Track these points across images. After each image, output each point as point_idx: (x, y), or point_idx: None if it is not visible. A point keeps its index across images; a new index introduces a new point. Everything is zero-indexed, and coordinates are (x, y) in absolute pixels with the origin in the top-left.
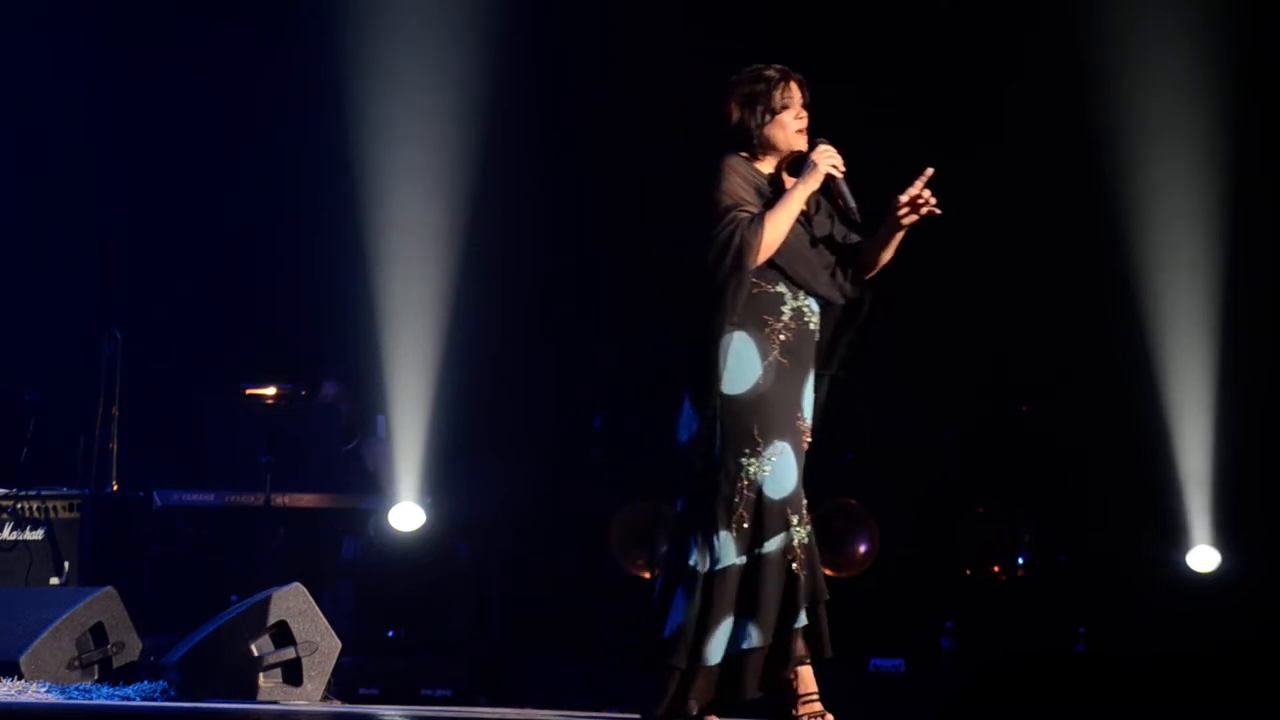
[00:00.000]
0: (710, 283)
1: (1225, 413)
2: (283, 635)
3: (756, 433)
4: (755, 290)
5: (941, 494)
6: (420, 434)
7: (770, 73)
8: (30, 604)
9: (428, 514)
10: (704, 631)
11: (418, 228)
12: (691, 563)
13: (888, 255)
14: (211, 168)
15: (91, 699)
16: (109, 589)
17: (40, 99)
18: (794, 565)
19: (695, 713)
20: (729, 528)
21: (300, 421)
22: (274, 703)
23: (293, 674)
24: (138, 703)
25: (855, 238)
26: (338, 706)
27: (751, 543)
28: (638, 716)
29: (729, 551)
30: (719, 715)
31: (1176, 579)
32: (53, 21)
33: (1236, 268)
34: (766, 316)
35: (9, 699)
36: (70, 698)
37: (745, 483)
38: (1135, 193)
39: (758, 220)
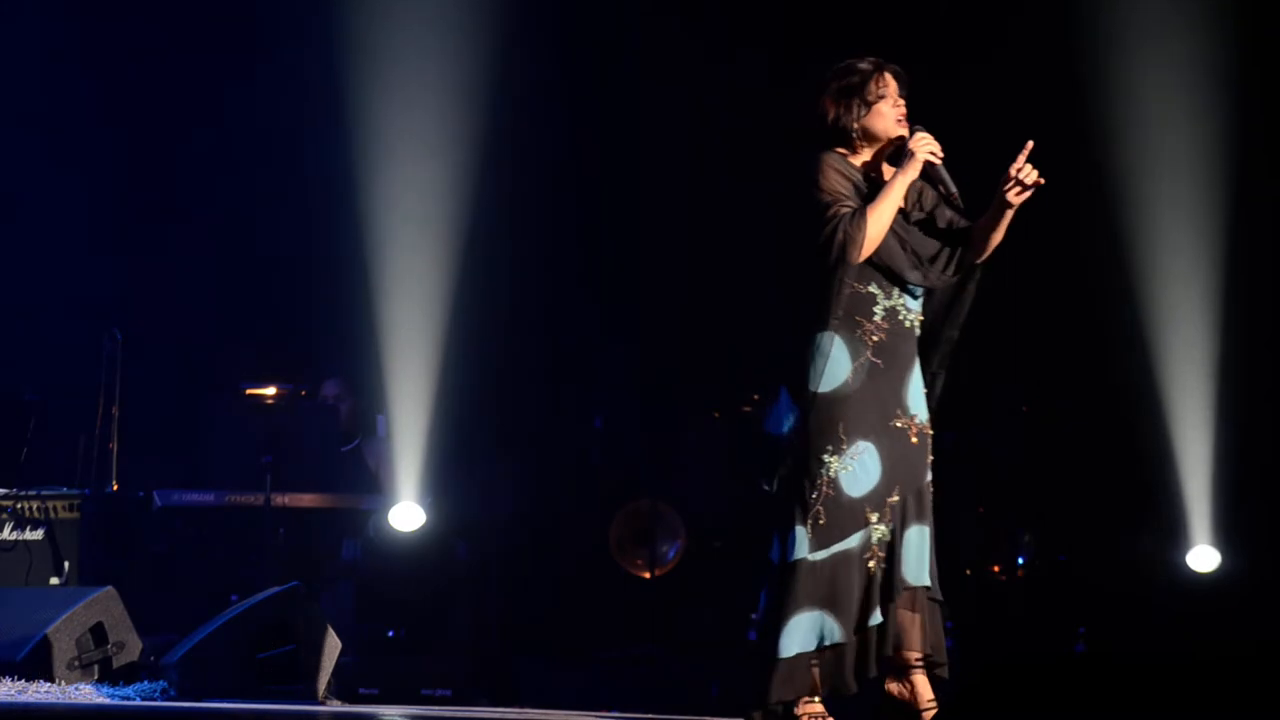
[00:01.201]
0: (814, 279)
1: (1225, 413)
2: (282, 635)
3: (842, 431)
4: (848, 291)
5: (940, 494)
6: (420, 434)
7: (864, 65)
8: (30, 604)
9: (428, 514)
10: (777, 624)
11: (418, 228)
12: (771, 556)
13: (999, 236)
14: (212, 167)
15: (91, 699)
16: (109, 589)
17: (40, 99)
18: (870, 564)
19: (784, 703)
20: (804, 523)
21: (300, 421)
22: (274, 702)
23: (293, 674)
24: (138, 703)
25: (964, 222)
26: (338, 706)
27: (828, 539)
28: (638, 716)
29: (803, 546)
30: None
31: (1176, 579)
32: (52, 21)
33: (1236, 268)
34: (859, 317)
35: (9, 699)
36: (70, 698)
37: (825, 479)
38: (1136, 192)
39: (860, 214)
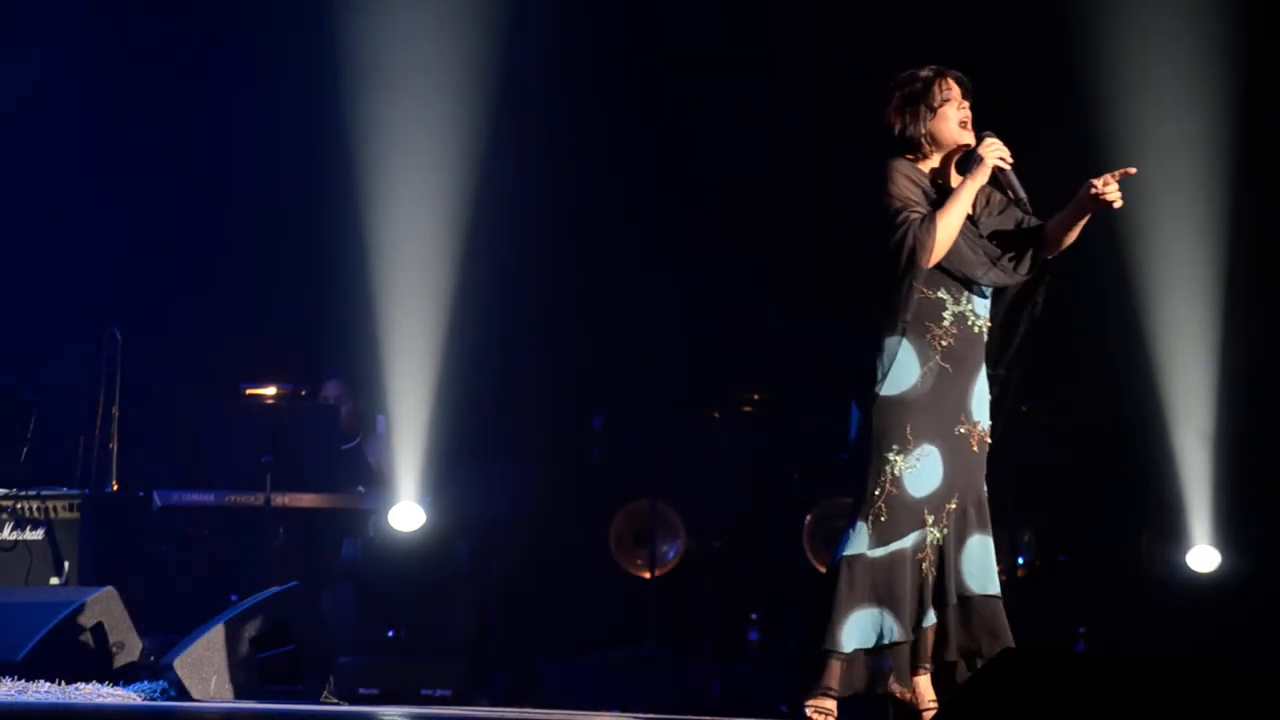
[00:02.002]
0: (884, 284)
1: (1225, 413)
2: (282, 635)
3: (909, 432)
4: (917, 296)
5: None
6: (420, 434)
7: (925, 72)
8: (30, 604)
9: (428, 514)
10: (835, 617)
11: (418, 227)
12: (837, 552)
13: (1073, 236)
14: (211, 167)
15: (91, 699)
16: (109, 589)
17: (39, 98)
18: (924, 564)
19: (839, 696)
20: (866, 519)
21: (300, 421)
22: (274, 702)
23: (292, 674)
24: (138, 703)
25: (1035, 221)
26: (338, 706)
27: (888, 537)
28: (637, 716)
29: (861, 542)
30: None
31: (1176, 579)
32: (51, 18)
33: (1236, 268)
34: (928, 323)
35: (9, 699)
36: (70, 698)
37: (888, 478)
38: (1136, 192)
39: (929, 219)
